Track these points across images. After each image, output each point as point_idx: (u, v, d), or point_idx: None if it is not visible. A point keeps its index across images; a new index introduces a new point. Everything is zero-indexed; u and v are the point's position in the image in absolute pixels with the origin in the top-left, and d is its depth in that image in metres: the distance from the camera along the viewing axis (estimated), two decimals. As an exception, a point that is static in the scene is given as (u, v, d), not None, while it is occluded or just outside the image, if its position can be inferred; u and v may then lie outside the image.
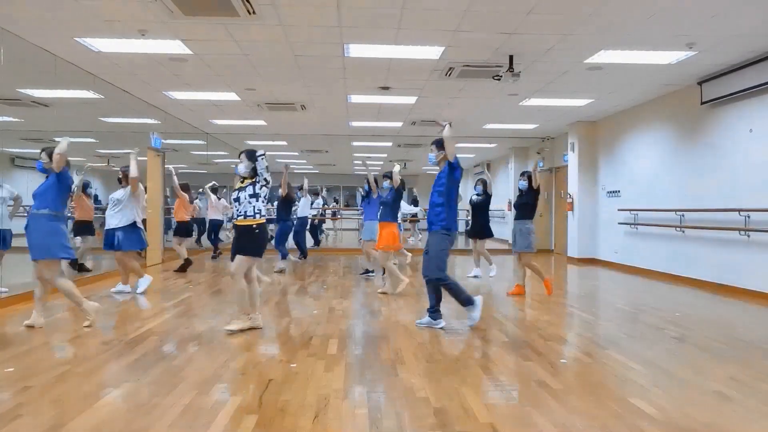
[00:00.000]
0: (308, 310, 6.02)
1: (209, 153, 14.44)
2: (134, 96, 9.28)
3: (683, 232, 8.52)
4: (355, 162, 20.54)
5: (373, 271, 8.84)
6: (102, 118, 11.29)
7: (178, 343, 4.54)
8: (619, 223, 10.38)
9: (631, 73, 7.68)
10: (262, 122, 11.85)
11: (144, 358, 4.06)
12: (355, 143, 15.30)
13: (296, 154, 18.48)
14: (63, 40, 6.35)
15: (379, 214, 7.42)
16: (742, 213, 7.20)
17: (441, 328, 5.08)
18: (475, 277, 8.67)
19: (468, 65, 7.25)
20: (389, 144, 15.30)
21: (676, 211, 8.62)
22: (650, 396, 3.32)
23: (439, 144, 5.30)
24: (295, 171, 25.66)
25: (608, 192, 10.98)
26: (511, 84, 7.47)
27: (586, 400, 3.24)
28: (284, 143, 15.67)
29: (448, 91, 8.78)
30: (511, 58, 6.80)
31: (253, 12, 5.41)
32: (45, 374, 3.63)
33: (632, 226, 9.96)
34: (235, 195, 4.99)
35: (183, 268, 9.39)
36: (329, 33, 6.10)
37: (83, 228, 8.71)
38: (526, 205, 7.00)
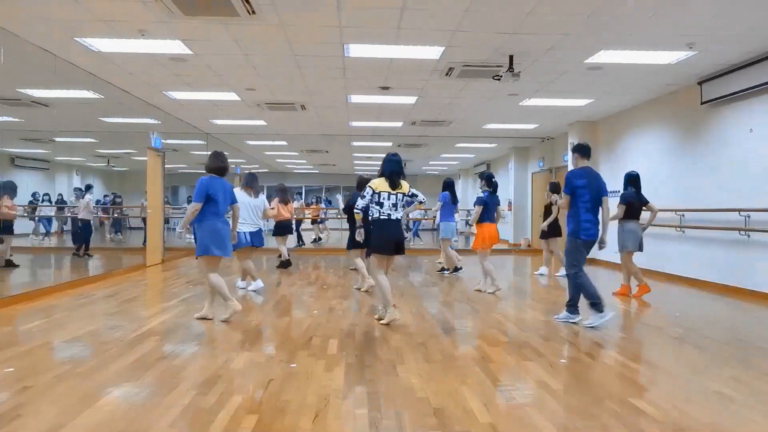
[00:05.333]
0: (308, 310, 6.02)
1: (209, 153, 14.43)
2: (134, 96, 9.28)
3: (683, 232, 8.52)
4: (356, 162, 20.56)
5: (460, 269, 9.18)
6: (102, 118, 11.30)
7: (178, 343, 4.54)
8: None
9: (631, 73, 7.68)
10: (262, 122, 11.85)
11: (144, 358, 4.05)
12: (355, 143, 15.31)
13: (296, 154, 18.49)
14: (63, 40, 6.35)
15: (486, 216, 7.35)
16: (742, 213, 7.19)
17: (574, 322, 5.33)
18: (541, 275, 9.18)
19: (468, 65, 7.25)
20: (389, 144, 15.30)
21: (676, 211, 8.62)
22: (650, 396, 3.32)
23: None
24: (295, 171, 25.72)
25: (608, 192, 10.97)
26: (511, 84, 7.47)
27: (586, 400, 3.24)
28: (284, 143, 15.68)
29: (448, 91, 8.78)
30: (511, 58, 6.80)
31: (253, 12, 5.41)
32: (45, 374, 3.63)
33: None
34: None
35: (284, 265, 9.79)
36: (329, 33, 6.10)
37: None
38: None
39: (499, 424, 2.87)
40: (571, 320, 5.37)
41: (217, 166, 5.39)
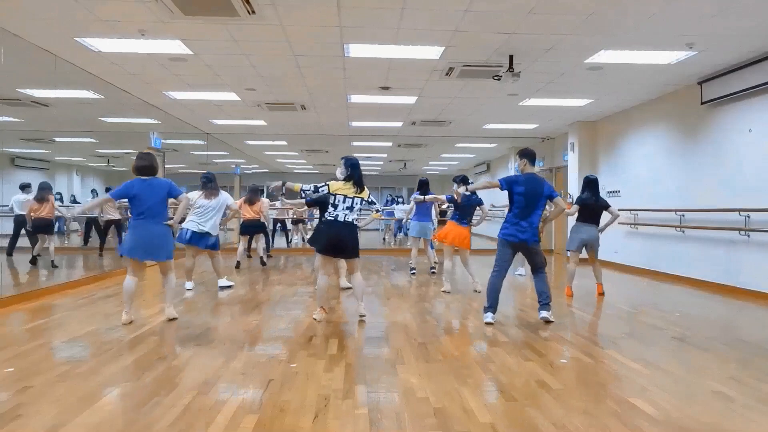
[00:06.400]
0: (308, 310, 6.02)
1: (209, 153, 14.45)
2: (134, 96, 9.27)
3: (683, 232, 8.52)
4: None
5: (412, 269, 9.34)
6: (102, 118, 11.30)
7: (178, 343, 4.54)
8: (619, 223, 10.35)
9: (631, 73, 7.68)
10: (262, 122, 11.85)
11: (144, 358, 4.06)
12: (355, 143, 15.31)
13: (296, 154, 18.48)
14: (63, 40, 6.35)
15: (456, 216, 7.38)
16: (742, 213, 7.19)
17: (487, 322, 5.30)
18: (520, 275, 9.09)
19: (468, 65, 7.25)
20: (389, 144, 15.31)
21: (676, 211, 8.62)
22: (650, 396, 3.32)
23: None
24: (295, 171, 25.73)
25: (608, 192, 10.98)
26: (511, 84, 7.47)
27: (586, 400, 3.24)
28: (284, 143, 15.68)
29: (448, 91, 8.78)
30: (511, 58, 6.80)
31: (253, 12, 5.41)
32: (45, 374, 3.63)
33: (632, 226, 9.95)
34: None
35: (237, 265, 9.80)
36: (329, 33, 6.10)
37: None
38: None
39: (499, 424, 2.87)
40: (487, 320, 5.35)
41: (137, 165, 5.23)
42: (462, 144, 15.46)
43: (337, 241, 5.23)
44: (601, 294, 7.09)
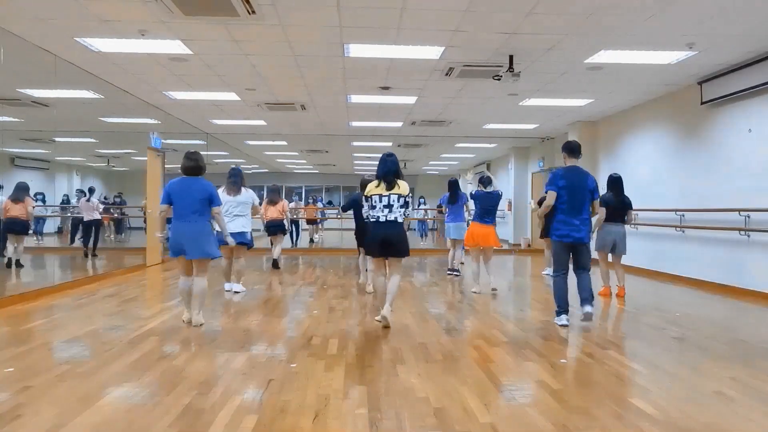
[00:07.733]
0: (308, 310, 6.02)
1: (209, 153, 14.45)
2: (134, 96, 9.28)
3: (683, 232, 8.52)
4: (356, 162, 20.57)
5: (458, 271, 9.13)
6: (102, 118, 11.30)
7: (178, 343, 4.54)
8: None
9: (631, 73, 7.68)
10: (262, 122, 11.86)
11: (144, 358, 4.05)
12: (355, 143, 15.32)
13: (296, 154, 18.49)
14: (63, 40, 6.35)
15: (478, 216, 7.32)
16: (742, 213, 7.19)
17: (561, 325, 5.20)
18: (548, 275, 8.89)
19: (468, 65, 7.25)
20: (389, 144, 15.30)
21: (676, 211, 8.62)
22: (650, 396, 3.32)
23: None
24: (295, 171, 25.72)
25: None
26: (511, 84, 7.47)
27: (586, 400, 3.24)
28: (284, 143, 15.68)
29: (448, 91, 8.78)
30: (511, 58, 6.80)
31: (253, 12, 5.41)
32: (45, 374, 3.62)
33: (632, 226, 9.94)
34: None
35: (274, 265, 9.89)
36: (329, 33, 6.10)
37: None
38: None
39: (499, 424, 2.87)
40: (561, 322, 5.22)
41: (184, 165, 5.20)
42: (462, 144, 15.46)
43: (383, 240, 5.11)
44: (621, 297, 6.96)
